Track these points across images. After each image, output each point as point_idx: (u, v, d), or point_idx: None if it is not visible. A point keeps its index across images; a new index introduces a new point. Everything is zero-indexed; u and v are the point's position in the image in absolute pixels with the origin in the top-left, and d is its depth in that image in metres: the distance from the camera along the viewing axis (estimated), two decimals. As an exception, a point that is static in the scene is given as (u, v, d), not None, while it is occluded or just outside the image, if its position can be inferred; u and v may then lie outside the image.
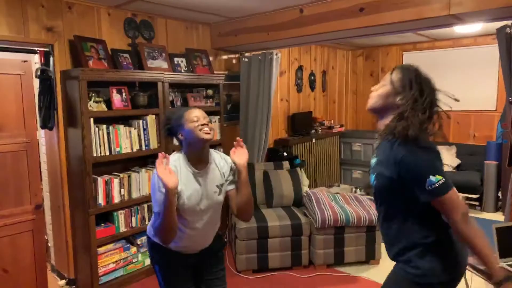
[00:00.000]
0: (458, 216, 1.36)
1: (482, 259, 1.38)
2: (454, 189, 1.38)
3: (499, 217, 4.54)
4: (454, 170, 5.18)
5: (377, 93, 1.53)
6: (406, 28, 3.17)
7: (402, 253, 1.52)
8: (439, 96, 1.46)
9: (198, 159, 1.80)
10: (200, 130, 1.72)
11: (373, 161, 1.57)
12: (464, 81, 5.44)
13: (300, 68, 5.47)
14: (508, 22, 2.70)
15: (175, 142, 2.14)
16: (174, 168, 1.73)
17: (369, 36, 3.71)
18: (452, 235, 1.47)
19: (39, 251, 2.56)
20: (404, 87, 1.45)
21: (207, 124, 1.75)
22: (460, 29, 4.54)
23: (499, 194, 4.80)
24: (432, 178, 1.35)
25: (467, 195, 4.83)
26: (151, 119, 3.22)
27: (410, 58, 5.93)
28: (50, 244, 3.35)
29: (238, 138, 1.86)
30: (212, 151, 1.90)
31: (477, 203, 4.94)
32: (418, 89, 1.43)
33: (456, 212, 1.36)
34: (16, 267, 2.43)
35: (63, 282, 3.19)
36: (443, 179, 1.35)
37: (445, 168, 5.10)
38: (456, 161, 5.26)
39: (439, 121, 1.46)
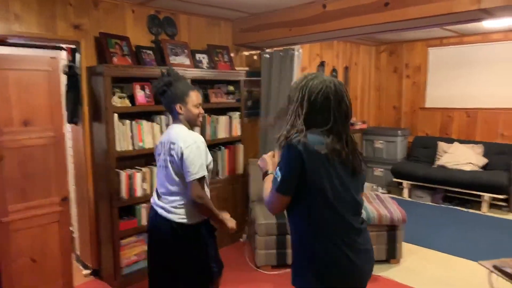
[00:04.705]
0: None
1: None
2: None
3: (527, 219, 4.39)
4: (480, 170, 5.03)
5: None
6: (433, 23, 3.08)
7: None
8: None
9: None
10: (198, 118, 2.13)
11: None
12: (493, 78, 5.25)
13: (322, 64, 5.41)
14: (542, 17, 2.59)
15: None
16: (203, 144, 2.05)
17: (393, 31, 3.63)
18: None
19: (64, 242, 2.65)
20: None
21: (203, 114, 2.16)
22: (489, 24, 4.38)
23: (528, 195, 4.63)
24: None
25: (493, 196, 4.69)
26: (173, 114, 3.27)
27: (436, 54, 5.72)
28: (75, 235, 3.45)
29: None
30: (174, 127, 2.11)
31: (504, 204, 4.78)
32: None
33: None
34: (43, 257, 2.53)
35: (87, 271, 3.29)
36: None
37: (470, 168, 4.98)
38: (483, 160, 5.09)
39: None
